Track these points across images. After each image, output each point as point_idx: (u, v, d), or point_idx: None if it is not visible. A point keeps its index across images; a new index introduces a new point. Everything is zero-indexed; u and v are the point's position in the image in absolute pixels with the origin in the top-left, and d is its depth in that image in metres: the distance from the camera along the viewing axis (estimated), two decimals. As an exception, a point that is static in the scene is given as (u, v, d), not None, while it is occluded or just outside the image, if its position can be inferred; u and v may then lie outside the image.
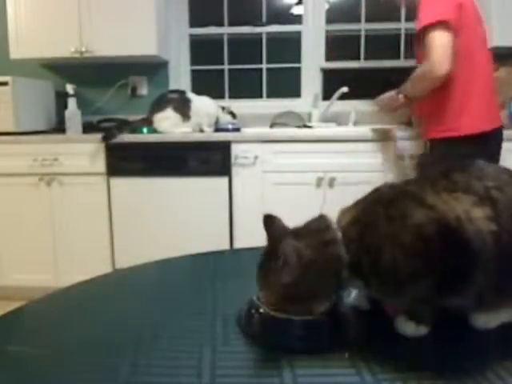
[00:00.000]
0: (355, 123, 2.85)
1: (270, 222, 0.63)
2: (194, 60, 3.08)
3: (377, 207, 0.59)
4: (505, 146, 2.31)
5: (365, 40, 2.98)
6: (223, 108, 2.67)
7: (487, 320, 0.60)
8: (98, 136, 2.44)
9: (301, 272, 0.55)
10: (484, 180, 0.57)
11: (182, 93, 2.61)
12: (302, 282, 0.55)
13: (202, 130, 2.57)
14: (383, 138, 2.35)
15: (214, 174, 2.41)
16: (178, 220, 2.46)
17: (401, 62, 2.97)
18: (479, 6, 2.72)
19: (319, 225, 0.60)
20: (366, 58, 3.00)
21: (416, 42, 1.96)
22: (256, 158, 2.38)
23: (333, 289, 0.58)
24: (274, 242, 0.60)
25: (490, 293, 0.56)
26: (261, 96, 3.07)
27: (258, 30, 3.02)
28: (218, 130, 2.59)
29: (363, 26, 2.97)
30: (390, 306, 0.63)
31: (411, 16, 2.47)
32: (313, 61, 2.99)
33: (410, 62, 2.96)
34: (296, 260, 0.55)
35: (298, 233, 0.59)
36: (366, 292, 0.63)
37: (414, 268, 0.55)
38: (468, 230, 0.54)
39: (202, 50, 3.09)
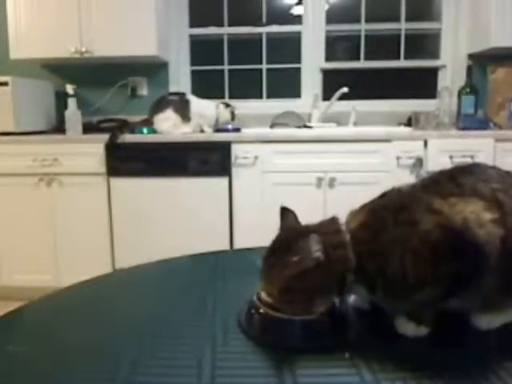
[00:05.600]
0: (355, 123, 2.85)
1: (284, 214, 0.64)
2: (194, 60, 3.08)
3: (385, 213, 0.59)
4: (505, 146, 2.32)
5: (365, 40, 2.98)
6: (227, 105, 2.66)
7: (489, 320, 0.60)
8: (98, 136, 2.44)
9: (310, 268, 0.55)
10: (490, 182, 0.57)
11: (182, 95, 2.61)
12: (307, 278, 0.55)
13: (202, 131, 2.57)
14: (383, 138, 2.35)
15: (214, 175, 2.41)
16: (178, 220, 2.45)
17: (401, 62, 2.97)
18: (479, 5, 2.72)
19: (330, 227, 0.60)
20: (366, 58, 3.00)
21: None
22: (256, 158, 2.38)
23: (334, 291, 0.58)
24: (285, 235, 0.60)
25: (495, 294, 0.56)
26: (261, 96, 3.07)
27: (257, 30, 3.03)
28: (218, 130, 2.59)
29: (363, 26, 2.97)
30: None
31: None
32: (313, 61, 2.99)
33: (410, 63, 2.97)
34: (321, 255, 0.55)
35: (310, 231, 0.59)
36: (370, 298, 0.62)
37: (423, 275, 0.55)
38: (478, 234, 0.53)
39: (202, 50, 3.09)
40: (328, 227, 0.59)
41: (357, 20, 2.98)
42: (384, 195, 0.63)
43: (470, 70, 2.69)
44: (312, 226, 0.60)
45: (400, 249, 0.55)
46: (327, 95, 2.92)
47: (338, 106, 2.83)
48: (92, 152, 2.44)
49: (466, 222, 0.54)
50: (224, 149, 2.39)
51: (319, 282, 0.56)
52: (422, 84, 2.98)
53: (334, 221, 0.60)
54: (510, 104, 2.55)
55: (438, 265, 0.54)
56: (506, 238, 0.54)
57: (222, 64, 3.07)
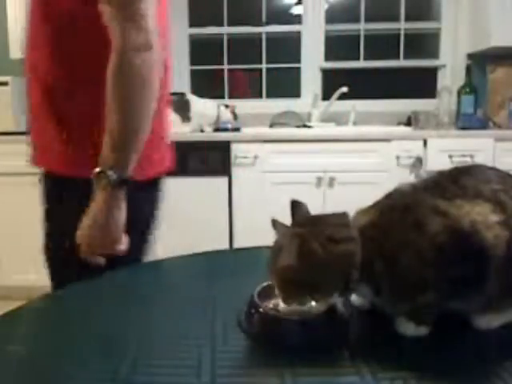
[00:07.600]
0: (355, 123, 2.85)
1: (295, 207, 0.62)
2: (194, 60, 3.07)
3: (393, 213, 0.58)
4: (504, 145, 2.32)
5: (364, 40, 2.98)
6: (226, 106, 2.68)
7: (489, 320, 0.60)
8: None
9: (302, 258, 0.54)
10: (491, 183, 0.57)
11: (182, 95, 2.61)
12: (304, 270, 0.55)
13: (202, 131, 2.57)
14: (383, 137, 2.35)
15: (214, 174, 2.41)
16: (178, 220, 2.45)
17: (400, 62, 2.97)
18: (478, 5, 2.72)
19: (338, 220, 0.59)
20: (365, 58, 3.00)
21: None
22: (256, 157, 2.38)
23: (338, 288, 0.57)
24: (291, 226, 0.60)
25: (495, 294, 0.56)
26: (260, 96, 3.07)
27: (257, 29, 3.02)
28: (217, 129, 2.59)
29: (363, 26, 2.97)
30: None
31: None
32: (312, 61, 2.99)
33: (410, 62, 2.97)
34: (296, 245, 0.54)
35: (314, 223, 0.58)
36: (375, 300, 0.62)
37: (429, 276, 0.55)
38: (486, 237, 0.53)
39: (201, 49, 3.09)
40: (336, 221, 0.59)
41: (356, 20, 2.98)
42: (389, 196, 0.62)
43: (469, 69, 2.70)
44: (318, 218, 0.59)
45: (407, 250, 0.55)
46: (327, 95, 2.92)
47: (337, 105, 2.83)
48: (92, 152, 2.43)
49: (474, 224, 0.54)
50: (223, 148, 2.38)
51: (321, 276, 0.55)
52: (422, 84, 2.98)
53: (343, 215, 0.59)
54: (510, 103, 2.55)
55: (445, 267, 0.54)
56: (510, 241, 0.54)
57: (222, 64, 3.07)
